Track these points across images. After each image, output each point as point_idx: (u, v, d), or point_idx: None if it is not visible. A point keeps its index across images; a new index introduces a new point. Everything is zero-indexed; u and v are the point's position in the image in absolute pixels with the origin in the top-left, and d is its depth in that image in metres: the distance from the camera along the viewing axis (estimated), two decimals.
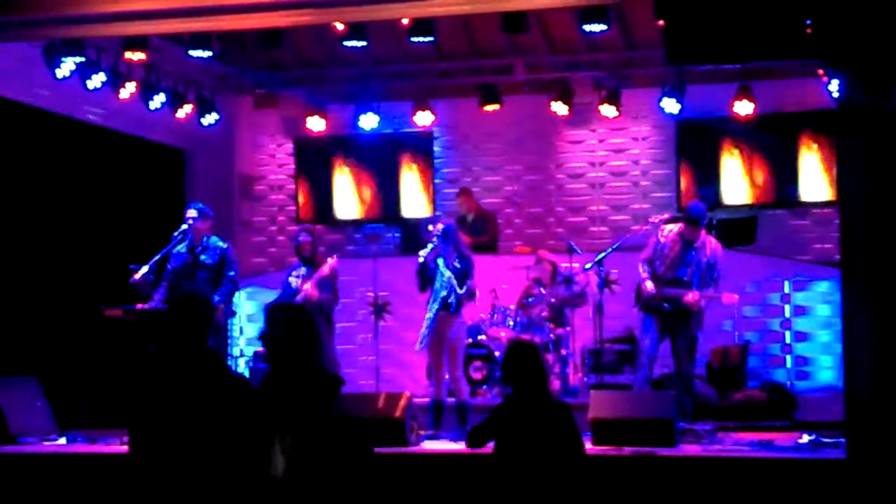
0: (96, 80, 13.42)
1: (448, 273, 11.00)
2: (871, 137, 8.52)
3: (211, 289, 11.25)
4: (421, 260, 11.11)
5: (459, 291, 10.98)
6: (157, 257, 11.36)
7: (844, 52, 8.34)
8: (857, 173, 8.59)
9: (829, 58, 8.57)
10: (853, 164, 8.63)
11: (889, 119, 8.43)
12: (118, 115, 14.34)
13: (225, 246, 11.52)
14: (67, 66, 13.01)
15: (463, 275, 11.06)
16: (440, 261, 11.05)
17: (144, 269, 11.23)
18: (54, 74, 12.98)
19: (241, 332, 15.09)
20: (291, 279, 12.06)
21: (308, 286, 11.75)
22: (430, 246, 11.13)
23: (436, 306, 11.04)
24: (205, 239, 11.47)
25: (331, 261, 11.84)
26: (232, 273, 11.45)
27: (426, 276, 11.14)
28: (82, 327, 12.88)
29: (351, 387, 11.97)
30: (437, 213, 16.04)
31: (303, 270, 12.01)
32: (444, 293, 11.00)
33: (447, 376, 11.16)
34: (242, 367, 14.53)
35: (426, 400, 11.39)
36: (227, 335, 12.00)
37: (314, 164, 16.81)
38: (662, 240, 11.34)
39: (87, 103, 13.80)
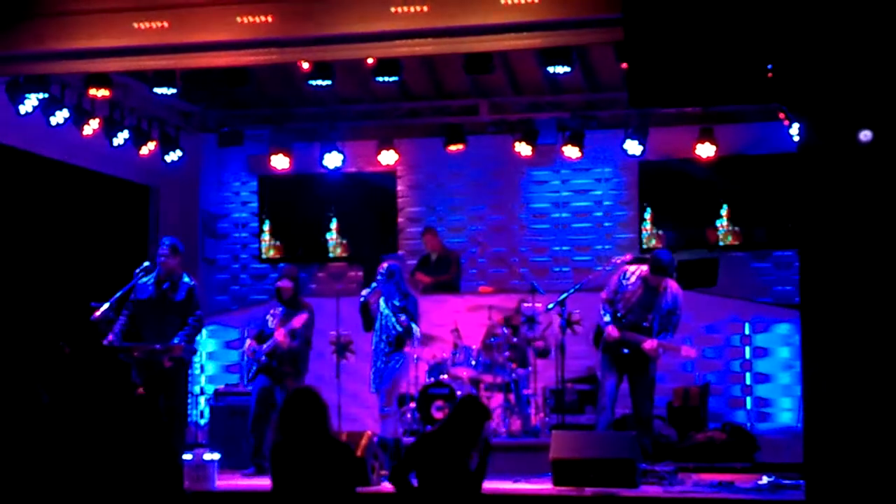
0: (60, 117, 13.38)
1: (387, 311, 11.18)
2: (831, 181, 8.60)
3: (176, 326, 11.25)
4: (362, 299, 11.42)
5: (398, 329, 11.16)
6: (118, 294, 11.33)
7: (805, 97, 8.43)
8: (817, 216, 8.66)
9: (790, 102, 8.66)
10: (813, 206, 8.71)
11: (848, 162, 8.52)
12: (82, 152, 14.30)
13: (192, 284, 11.52)
14: (31, 103, 12.97)
15: (403, 313, 11.23)
16: (381, 300, 11.24)
17: (105, 305, 11.21)
18: (17, 111, 12.93)
19: (203, 369, 15.02)
20: (268, 318, 12.05)
21: (279, 334, 11.74)
22: (373, 285, 11.35)
23: (379, 345, 11.31)
24: (174, 274, 11.45)
25: (301, 317, 11.83)
26: (199, 313, 11.46)
27: (369, 315, 11.44)
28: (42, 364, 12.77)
29: None
30: (401, 253, 16.06)
31: (279, 311, 12.01)
32: (384, 332, 11.18)
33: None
34: (203, 406, 14.47)
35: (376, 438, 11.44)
36: (188, 373, 11.94)
37: (278, 202, 16.80)
38: (625, 282, 11.41)
39: (49, 138, 13.74)
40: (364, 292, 11.50)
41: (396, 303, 11.36)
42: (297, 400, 7.37)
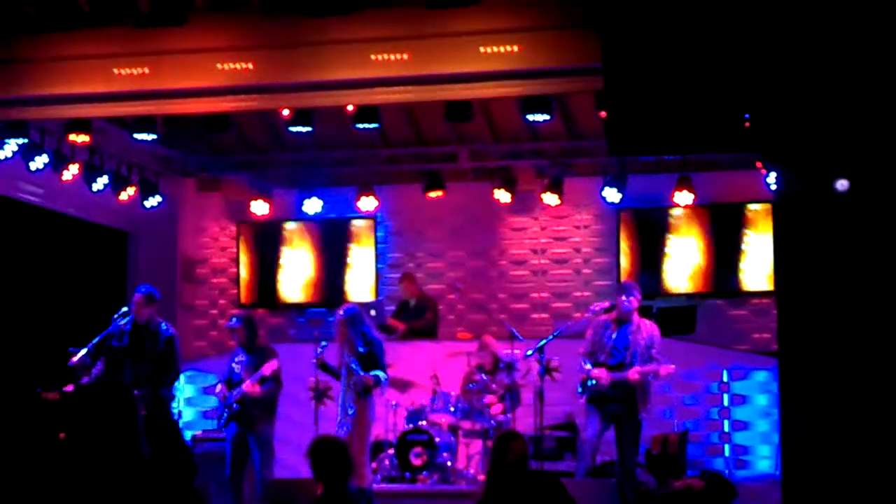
0: (39, 162, 13.37)
1: (351, 359, 11.17)
2: (808, 229, 8.65)
3: (154, 374, 11.22)
4: (315, 361, 11.51)
5: (361, 375, 11.11)
6: (95, 340, 11.31)
7: (782, 146, 8.49)
8: (794, 264, 8.70)
9: (767, 151, 8.71)
10: (790, 254, 8.75)
11: (825, 211, 8.57)
12: (61, 197, 14.29)
13: (171, 333, 11.50)
14: (10, 148, 12.96)
15: (368, 358, 11.17)
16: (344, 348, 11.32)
17: (83, 351, 11.19)
18: None
19: (180, 415, 14.94)
20: (234, 365, 12.01)
21: (247, 385, 11.69)
22: (323, 344, 11.51)
23: (347, 393, 11.29)
24: (150, 323, 11.44)
25: (271, 365, 11.78)
26: (177, 364, 11.45)
27: (330, 370, 11.48)
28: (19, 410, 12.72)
29: (289, 472, 11.93)
30: (380, 298, 16.05)
31: (242, 357, 11.97)
32: (349, 379, 11.15)
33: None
34: None
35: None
36: (166, 420, 11.89)
37: (257, 247, 16.79)
38: (601, 331, 11.51)
39: (28, 184, 13.73)
40: (318, 352, 11.53)
41: (360, 350, 11.28)
42: (323, 449, 7.32)
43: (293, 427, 13.44)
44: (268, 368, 11.70)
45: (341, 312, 11.43)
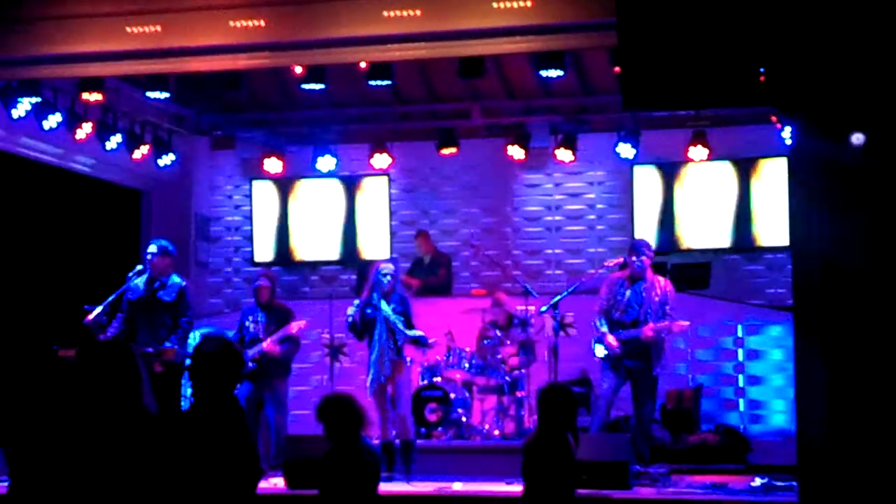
0: (52, 121, 13.38)
1: (394, 316, 11.19)
2: (823, 184, 8.63)
3: (168, 327, 11.26)
4: (350, 321, 11.46)
5: (409, 334, 11.20)
6: (111, 298, 11.34)
7: (797, 100, 8.45)
8: (809, 219, 8.68)
9: (782, 105, 8.68)
10: (805, 209, 8.73)
11: (840, 166, 8.54)
12: (74, 156, 14.31)
13: (183, 284, 11.53)
14: (23, 107, 12.97)
15: (406, 317, 11.26)
16: (383, 303, 11.31)
17: (98, 309, 11.22)
18: (10, 115, 12.93)
19: None
20: (248, 324, 12.05)
21: (268, 344, 11.79)
22: (356, 303, 11.45)
23: (382, 349, 11.30)
24: (164, 275, 11.48)
25: (300, 324, 11.90)
26: (189, 315, 11.47)
27: (358, 330, 11.48)
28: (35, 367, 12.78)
29: (305, 428, 11.99)
30: (394, 256, 16.07)
31: (260, 317, 12.03)
32: (394, 336, 11.20)
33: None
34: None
35: (378, 442, 11.43)
36: (182, 376, 11.94)
37: (271, 205, 16.81)
38: (615, 289, 11.49)
39: (42, 143, 13.74)
40: (350, 311, 11.54)
41: (398, 308, 11.40)
42: (332, 407, 7.37)
43: (308, 384, 13.53)
44: (294, 327, 11.84)
45: (388, 267, 11.52)
